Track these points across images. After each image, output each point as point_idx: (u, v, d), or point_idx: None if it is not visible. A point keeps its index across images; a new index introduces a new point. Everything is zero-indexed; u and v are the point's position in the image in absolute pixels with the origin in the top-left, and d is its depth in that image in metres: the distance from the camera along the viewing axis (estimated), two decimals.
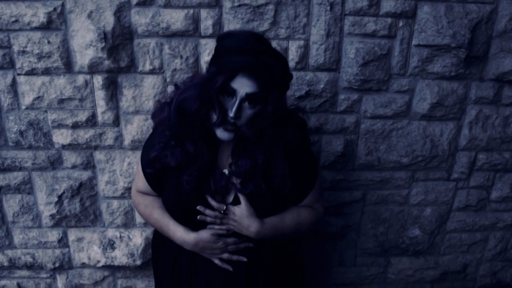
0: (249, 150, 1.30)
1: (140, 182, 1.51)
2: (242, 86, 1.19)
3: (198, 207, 1.33)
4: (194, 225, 1.39)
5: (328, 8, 1.76)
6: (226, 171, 1.38)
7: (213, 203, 1.34)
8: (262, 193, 1.35)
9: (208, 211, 1.34)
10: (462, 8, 1.78)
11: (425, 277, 2.36)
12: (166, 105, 1.36)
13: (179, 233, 1.41)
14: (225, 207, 1.34)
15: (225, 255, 1.40)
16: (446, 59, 1.86)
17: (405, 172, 2.10)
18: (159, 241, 1.60)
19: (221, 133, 1.25)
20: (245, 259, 1.40)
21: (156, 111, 1.42)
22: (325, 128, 1.97)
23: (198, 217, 1.34)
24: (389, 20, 1.80)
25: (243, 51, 1.18)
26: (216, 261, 1.41)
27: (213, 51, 1.29)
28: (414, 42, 1.84)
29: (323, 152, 2.01)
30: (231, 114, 1.19)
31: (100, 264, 2.13)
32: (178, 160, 1.31)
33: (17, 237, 2.08)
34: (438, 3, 1.78)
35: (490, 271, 2.39)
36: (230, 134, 1.25)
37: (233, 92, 1.20)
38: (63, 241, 2.09)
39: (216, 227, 1.37)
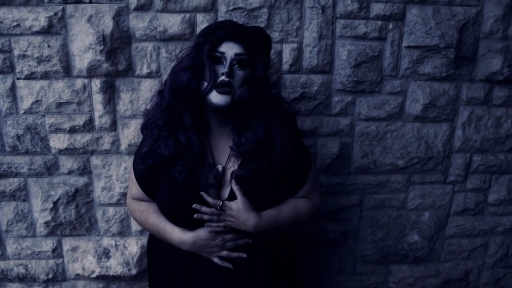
0: (249, 123, 1.33)
1: (134, 188, 1.50)
2: (230, 48, 1.29)
3: (194, 206, 1.32)
4: (190, 225, 1.37)
5: (320, 11, 1.82)
6: (220, 167, 1.38)
7: (209, 199, 1.32)
8: (259, 181, 1.34)
9: (204, 208, 1.32)
10: (449, 10, 1.86)
11: (426, 286, 2.31)
12: (158, 95, 1.41)
13: (176, 234, 1.39)
14: (221, 203, 1.33)
15: (224, 253, 1.37)
16: (436, 60, 1.92)
17: (402, 175, 2.10)
18: (154, 246, 1.57)
19: (215, 97, 1.27)
20: (245, 255, 1.37)
21: (144, 121, 1.45)
22: (320, 131, 2.00)
23: (195, 215, 1.32)
24: (379, 22, 1.86)
25: (227, 26, 1.32)
26: (216, 260, 1.38)
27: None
28: (404, 43, 1.90)
29: (319, 155, 2.02)
30: (226, 69, 1.26)
31: (94, 275, 2.08)
32: (171, 150, 1.32)
33: (10, 247, 2.04)
34: (426, 6, 1.85)
35: (492, 278, 2.35)
36: (226, 98, 1.27)
37: (222, 56, 1.29)
38: (57, 251, 2.06)
39: (214, 224, 1.35)
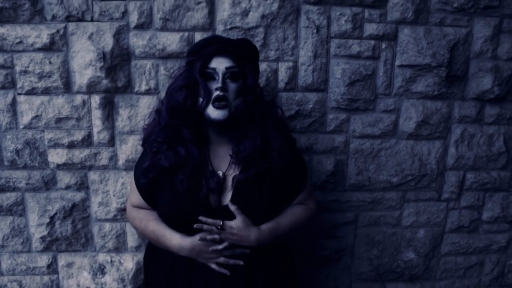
0: (246, 131, 1.39)
1: (135, 197, 1.54)
2: (220, 63, 1.35)
3: (195, 226, 1.35)
4: (190, 231, 1.40)
5: (315, 31, 1.88)
6: (220, 173, 1.43)
7: (208, 221, 1.35)
8: (260, 185, 1.39)
9: (206, 227, 1.35)
10: (440, 30, 1.92)
11: None
12: (156, 114, 1.47)
13: (175, 240, 1.42)
14: (221, 223, 1.36)
15: (222, 259, 1.39)
16: (428, 79, 1.96)
17: (396, 192, 2.12)
18: (152, 256, 1.59)
19: (213, 113, 1.33)
20: (241, 263, 1.39)
21: (144, 135, 1.53)
22: (315, 148, 2.02)
23: (199, 238, 1.36)
24: (372, 42, 1.92)
25: (214, 42, 1.37)
26: (213, 266, 1.40)
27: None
28: (397, 63, 1.95)
29: (314, 171, 2.04)
30: (219, 85, 1.32)
31: None
32: (171, 161, 1.37)
33: (5, 262, 2.03)
34: (417, 26, 1.91)
35: None
36: (224, 112, 1.33)
37: (213, 72, 1.35)
38: (52, 267, 2.05)
39: (219, 247, 1.37)
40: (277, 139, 1.40)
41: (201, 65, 1.35)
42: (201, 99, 1.35)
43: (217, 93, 1.33)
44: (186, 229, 1.40)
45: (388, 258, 2.21)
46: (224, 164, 1.44)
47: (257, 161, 1.38)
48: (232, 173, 1.42)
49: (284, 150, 1.40)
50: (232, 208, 1.37)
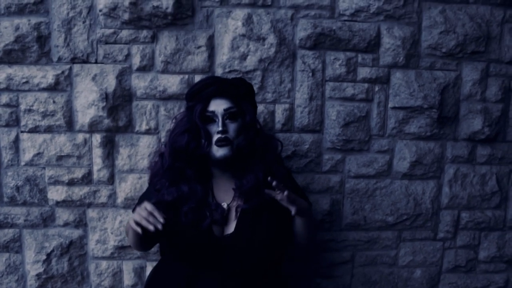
0: (249, 166, 1.45)
1: None
2: (219, 105, 1.42)
3: (270, 180, 1.31)
4: (192, 261, 1.42)
5: (310, 74, 1.95)
6: (224, 204, 1.47)
7: (274, 183, 1.31)
8: (264, 214, 1.44)
9: (275, 183, 1.31)
10: (430, 74, 2.00)
11: None
12: (159, 157, 1.53)
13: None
14: (287, 192, 1.33)
15: (137, 217, 1.30)
16: (420, 120, 2.03)
17: (392, 232, 2.13)
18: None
19: (217, 152, 1.40)
20: (152, 228, 1.28)
21: (152, 172, 1.56)
22: (311, 188, 2.06)
23: (272, 182, 1.31)
24: (366, 85, 1.99)
25: (210, 84, 1.44)
26: (131, 222, 1.33)
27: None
28: (390, 105, 2.01)
29: None
30: (220, 128, 1.39)
31: None
32: (174, 195, 1.43)
33: None
34: (409, 70, 1.99)
35: None
36: (227, 150, 1.40)
37: (213, 115, 1.42)
38: None
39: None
40: (280, 172, 1.48)
41: (200, 110, 1.42)
42: (203, 141, 1.42)
43: (218, 136, 1.40)
44: (188, 259, 1.43)
45: None
46: (228, 197, 1.49)
47: (259, 192, 1.42)
48: (236, 204, 1.47)
49: (287, 184, 1.46)
50: (274, 183, 1.32)
